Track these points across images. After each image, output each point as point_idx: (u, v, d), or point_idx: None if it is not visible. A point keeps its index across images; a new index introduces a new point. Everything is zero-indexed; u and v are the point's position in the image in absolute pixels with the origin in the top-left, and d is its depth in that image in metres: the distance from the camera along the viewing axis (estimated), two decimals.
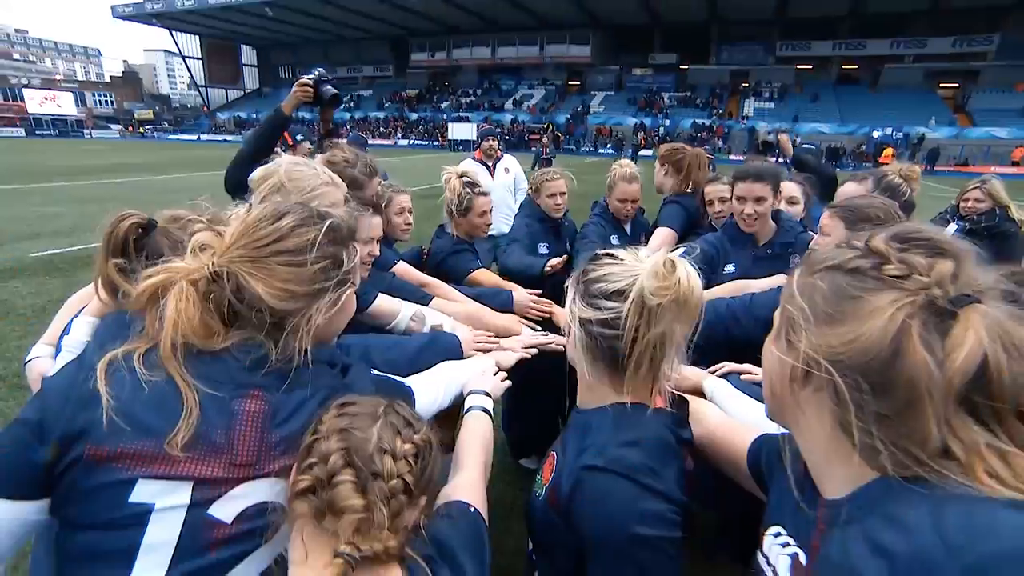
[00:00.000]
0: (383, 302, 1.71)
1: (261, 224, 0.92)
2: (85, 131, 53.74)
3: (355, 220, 1.02)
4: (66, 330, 1.29)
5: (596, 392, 1.01)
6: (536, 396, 2.71)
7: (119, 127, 56.93)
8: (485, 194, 2.45)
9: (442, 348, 1.58)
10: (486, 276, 2.37)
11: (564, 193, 2.82)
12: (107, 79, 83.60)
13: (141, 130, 55.97)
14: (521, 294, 2.17)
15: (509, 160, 5.21)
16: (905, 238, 0.63)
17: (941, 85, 39.24)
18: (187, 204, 1.28)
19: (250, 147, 2.51)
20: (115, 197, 12.51)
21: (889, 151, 28.89)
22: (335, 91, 2.61)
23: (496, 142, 5.13)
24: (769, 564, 0.76)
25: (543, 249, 2.80)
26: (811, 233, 2.38)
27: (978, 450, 0.55)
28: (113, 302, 1.19)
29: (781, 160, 3.71)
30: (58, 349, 1.28)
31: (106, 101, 67.65)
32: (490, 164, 5.07)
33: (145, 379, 0.82)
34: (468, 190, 2.39)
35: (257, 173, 1.50)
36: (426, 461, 0.84)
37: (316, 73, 2.59)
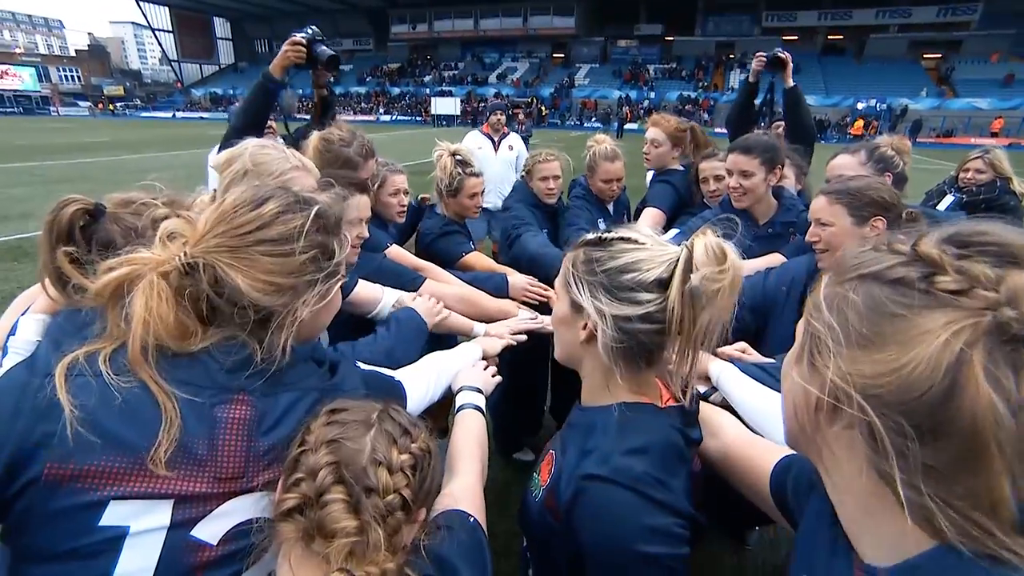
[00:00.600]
0: (363, 289, 1.63)
1: (240, 210, 0.82)
2: (52, 108, 51.70)
3: (342, 206, 0.93)
4: (12, 330, 1.16)
5: (606, 391, 0.92)
6: (520, 389, 2.61)
7: (88, 104, 54.69)
8: (477, 175, 2.31)
9: (411, 330, 1.52)
10: (479, 259, 2.29)
11: (558, 177, 2.60)
12: (72, 53, 79.91)
13: (112, 107, 53.73)
14: (517, 277, 2.09)
15: (514, 138, 5.28)
16: (964, 241, 0.49)
17: (924, 56, 39.26)
18: (137, 185, 1.16)
19: (239, 122, 2.29)
20: (87, 177, 12.07)
21: (860, 123, 28.82)
22: (333, 52, 2.32)
23: (504, 117, 5.17)
24: None
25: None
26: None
27: None
28: (64, 297, 1.08)
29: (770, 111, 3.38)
30: (4, 351, 1.15)
31: (72, 77, 64.86)
32: (495, 139, 5.14)
33: (113, 385, 0.72)
34: (459, 170, 2.26)
35: (221, 157, 1.39)
36: (425, 472, 0.78)
37: (310, 31, 2.29)
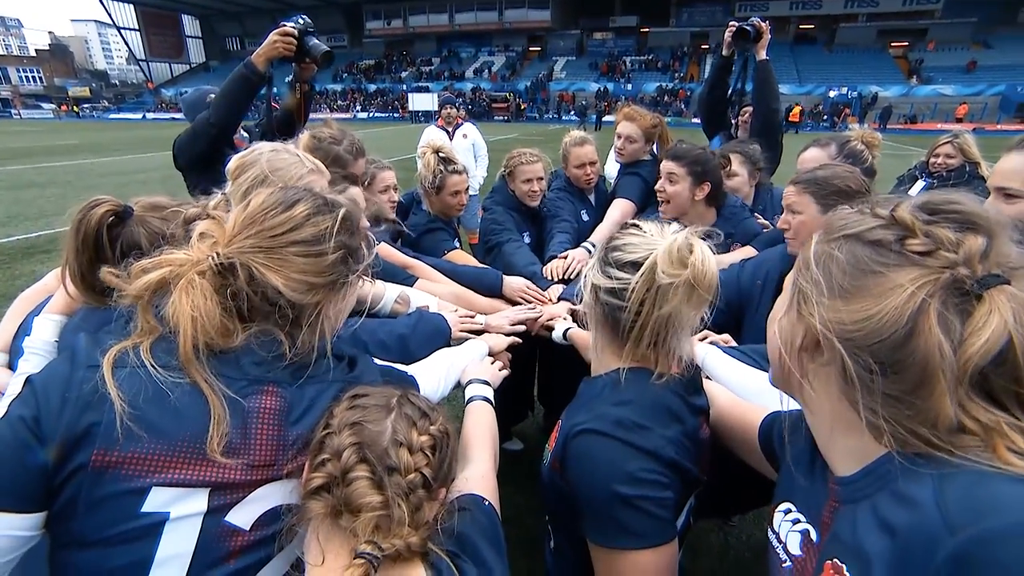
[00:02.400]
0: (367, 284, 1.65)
1: (271, 212, 0.85)
2: (12, 111, 50.01)
3: (359, 208, 0.97)
4: (26, 331, 1.17)
5: (602, 359, 1.01)
6: (509, 380, 2.60)
7: (53, 106, 52.96)
8: (460, 172, 2.31)
9: (431, 328, 1.55)
10: (461, 257, 2.30)
11: (542, 178, 2.47)
12: (32, 53, 77.09)
13: (76, 109, 52.21)
14: (514, 279, 2.09)
15: (468, 127, 5.87)
16: (935, 209, 0.58)
17: (892, 44, 40.18)
18: (166, 192, 1.20)
19: (216, 116, 2.12)
20: (55, 182, 11.73)
21: (797, 109, 29.18)
22: (327, 47, 2.13)
23: (454, 109, 5.74)
24: (780, 541, 0.76)
25: (526, 239, 2.52)
26: (758, 219, 2.32)
27: (999, 429, 0.53)
28: (86, 296, 1.10)
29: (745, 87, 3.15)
30: (19, 353, 1.16)
31: (34, 77, 62.85)
32: (450, 130, 5.70)
33: (156, 377, 0.76)
34: (442, 167, 2.26)
35: (233, 163, 1.40)
36: (444, 453, 0.82)
37: (301, 21, 2.11)
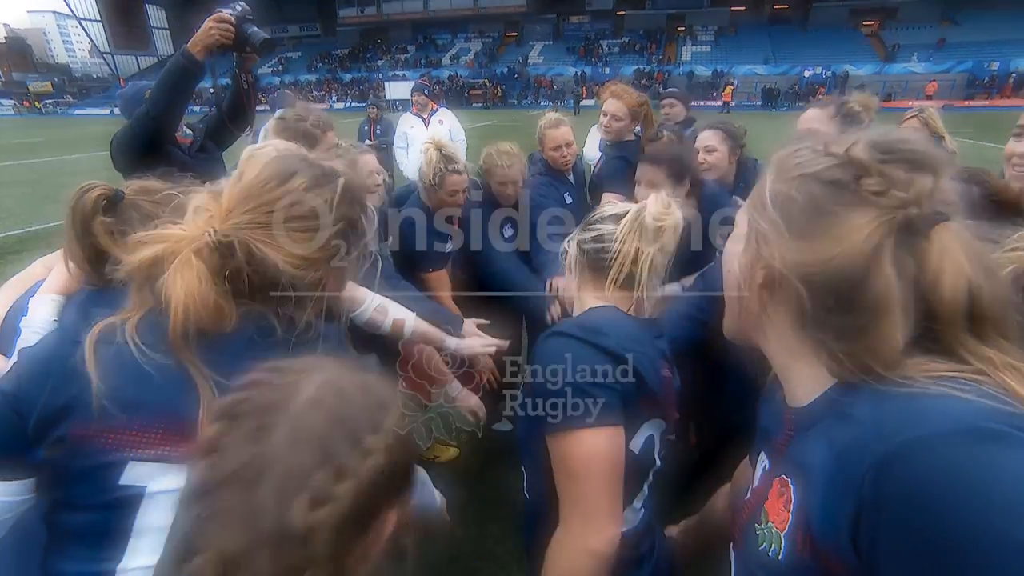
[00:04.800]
0: (349, 287, 1.62)
1: (267, 186, 0.83)
2: None
3: (362, 177, 0.95)
4: (23, 311, 1.17)
5: (582, 300, 1.15)
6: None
7: (12, 102, 50.89)
8: (460, 172, 2.27)
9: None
10: (439, 283, 2.30)
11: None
12: None
13: (38, 104, 50.26)
14: (471, 330, 1.88)
15: (444, 113, 5.77)
16: (888, 148, 0.59)
17: (864, 24, 40.63)
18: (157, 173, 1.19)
19: (155, 107, 1.95)
20: (20, 181, 11.35)
21: (728, 89, 30.66)
22: (266, 35, 2.04)
23: (423, 96, 5.69)
24: (755, 473, 0.81)
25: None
26: (740, 201, 2.36)
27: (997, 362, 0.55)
28: (87, 276, 1.09)
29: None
30: (16, 333, 1.15)
31: None
32: (425, 117, 5.57)
33: (139, 355, 0.75)
34: (442, 166, 2.23)
35: (245, 154, 1.39)
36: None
37: (239, 8, 2.01)
